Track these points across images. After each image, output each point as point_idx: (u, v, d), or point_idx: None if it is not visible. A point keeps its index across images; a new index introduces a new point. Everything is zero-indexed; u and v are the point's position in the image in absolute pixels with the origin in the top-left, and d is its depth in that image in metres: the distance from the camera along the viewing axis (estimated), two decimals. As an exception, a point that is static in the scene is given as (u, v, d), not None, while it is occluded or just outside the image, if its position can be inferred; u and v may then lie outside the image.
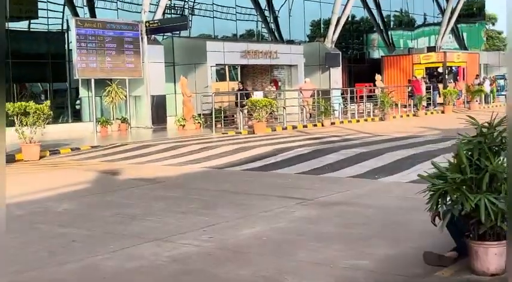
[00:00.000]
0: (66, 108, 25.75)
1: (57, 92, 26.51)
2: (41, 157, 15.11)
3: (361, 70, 38.41)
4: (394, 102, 26.87)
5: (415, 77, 31.06)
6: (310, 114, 24.91)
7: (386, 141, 15.26)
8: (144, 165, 13.21)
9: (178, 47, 27.45)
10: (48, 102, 15.12)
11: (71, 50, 23.05)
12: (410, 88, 30.22)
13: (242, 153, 13.92)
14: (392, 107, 26.55)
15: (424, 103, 29.50)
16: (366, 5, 39.96)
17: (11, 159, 14.85)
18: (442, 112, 29.44)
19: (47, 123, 15.47)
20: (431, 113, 29.33)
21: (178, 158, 14.04)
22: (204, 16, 31.32)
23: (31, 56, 24.55)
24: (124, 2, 27.19)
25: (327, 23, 37.26)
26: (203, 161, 13.40)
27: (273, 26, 34.60)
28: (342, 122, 24.57)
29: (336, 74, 32.64)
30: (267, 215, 7.72)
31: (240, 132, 20.47)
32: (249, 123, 22.24)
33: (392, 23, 43.26)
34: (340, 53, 33.45)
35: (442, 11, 42.80)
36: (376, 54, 42.27)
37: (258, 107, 20.15)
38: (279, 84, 29.13)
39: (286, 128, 22.06)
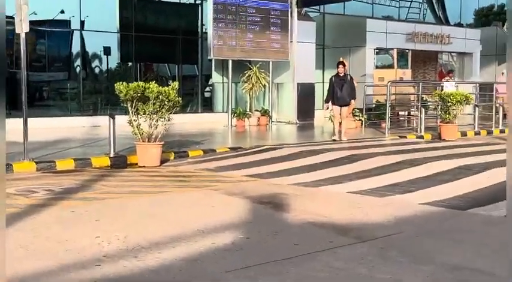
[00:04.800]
0: (195, 95, 21.40)
1: (186, 76, 22.19)
2: (162, 161, 10.57)
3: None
4: None
5: None
6: (505, 115, 18.90)
7: None
8: (317, 191, 8.18)
9: (330, 26, 22.35)
10: (175, 84, 10.45)
11: (205, 26, 18.69)
12: None
13: (470, 179, 8.57)
14: None
15: None
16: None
17: (120, 163, 10.44)
18: None
19: (173, 113, 10.91)
20: None
21: (365, 178, 8.92)
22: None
23: (158, 31, 20.26)
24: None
25: (500, 5, 31.06)
26: (411, 187, 8.18)
27: (437, 7, 28.60)
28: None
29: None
30: None
31: (422, 136, 15.06)
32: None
33: None
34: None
35: None
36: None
37: (450, 104, 14.62)
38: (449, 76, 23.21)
39: (479, 133, 16.38)
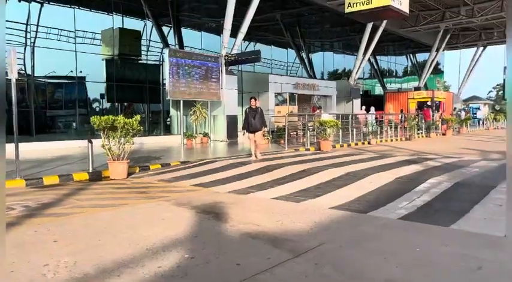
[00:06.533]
0: (159, 124, 18.92)
1: (153, 111, 19.70)
2: (129, 174, 8.25)
3: (367, 102, 31.29)
4: (415, 126, 19.61)
5: (427, 106, 23.68)
6: (364, 134, 17.57)
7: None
8: (248, 198, 6.20)
9: (245, 79, 20.49)
10: (138, 117, 8.17)
11: (165, 78, 16.39)
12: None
13: (358, 184, 6.84)
14: (415, 129, 19.31)
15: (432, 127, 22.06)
16: (369, 59, 32.77)
17: (97, 177, 7.98)
18: (443, 134, 22.06)
19: (143, 136, 8.64)
20: (436, 135, 21.92)
21: (281, 185, 7.02)
22: (264, 62, 24.06)
23: (132, 81, 17.73)
24: (207, 40, 20.36)
25: (344, 69, 30.50)
26: (318, 192, 6.36)
27: (308, 67, 27.49)
28: (381, 141, 17.37)
29: (357, 104, 25.50)
30: None
31: (309, 149, 13.43)
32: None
33: (384, 71, 36.01)
34: (360, 88, 26.34)
35: (418, 66, 35.82)
36: (375, 91, 35.10)
37: (327, 126, 13.09)
38: (319, 110, 21.91)
39: (343, 146, 14.98)
